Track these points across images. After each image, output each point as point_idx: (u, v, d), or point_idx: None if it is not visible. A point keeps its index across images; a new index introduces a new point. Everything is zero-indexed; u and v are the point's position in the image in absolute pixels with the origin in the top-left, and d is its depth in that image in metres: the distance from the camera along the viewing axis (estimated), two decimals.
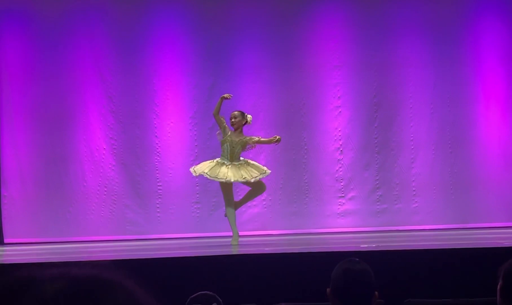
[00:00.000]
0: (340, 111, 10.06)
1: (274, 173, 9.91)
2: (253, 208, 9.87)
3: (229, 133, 7.92)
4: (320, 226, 9.77)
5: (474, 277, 5.43)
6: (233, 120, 7.91)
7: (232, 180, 7.68)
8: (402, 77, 10.04)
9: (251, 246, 7.70)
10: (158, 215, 9.81)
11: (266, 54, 9.98)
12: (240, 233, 9.57)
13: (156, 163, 9.88)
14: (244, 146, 7.89)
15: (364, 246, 6.75)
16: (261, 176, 7.79)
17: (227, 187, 7.79)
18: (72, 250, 8.02)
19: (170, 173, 9.88)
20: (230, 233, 9.52)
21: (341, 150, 10.02)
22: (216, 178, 7.72)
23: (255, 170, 7.82)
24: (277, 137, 7.96)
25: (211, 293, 3.83)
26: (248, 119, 7.99)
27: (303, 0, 10.06)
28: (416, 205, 9.94)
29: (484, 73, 10.05)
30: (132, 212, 9.80)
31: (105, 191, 9.75)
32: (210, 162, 7.88)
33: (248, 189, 8.15)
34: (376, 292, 2.90)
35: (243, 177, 7.70)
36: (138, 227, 9.74)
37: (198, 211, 9.86)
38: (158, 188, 9.85)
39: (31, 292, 0.78)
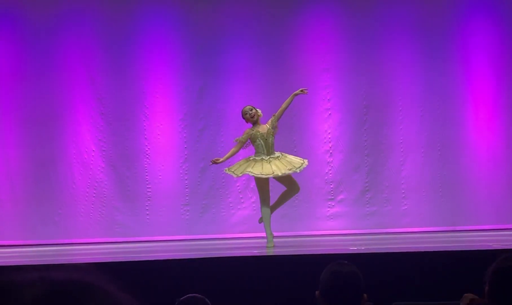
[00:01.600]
0: (330, 114, 10.07)
1: None
2: (243, 210, 9.87)
3: (254, 130, 7.76)
4: (310, 228, 9.77)
5: (462, 279, 5.44)
6: (248, 115, 7.72)
7: (280, 173, 7.48)
8: (392, 79, 10.06)
9: (240, 249, 7.68)
10: (148, 217, 9.80)
11: (256, 57, 9.98)
12: (230, 235, 9.58)
13: (146, 165, 9.87)
14: (275, 132, 7.75)
15: (353, 248, 6.76)
16: (303, 165, 7.60)
17: (265, 184, 7.58)
18: (60, 252, 8.00)
19: (160, 175, 9.86)
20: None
21: (331, 153, 10.03)
22: (263, 174, 7.47)
23: (295, 160, 7.65)
24: (302, 89, 7.74)
25: (199, 296, 3.81)
26: (259, 112, 7.88)
27: (293, 3, 10.06)
28: (406, 207, 9.95)
29: (473, 75, 10.08)
30: (121, 214, 9.77)
31: (94, 193, 9.72)
32: (247, 160, 7.69)
33: (282, 189, 7.91)
34: (365, 295, 2.90)
35: (288, 168, 7.51)
36: (127, 229, 9.72)
37: (187, 213, 9.85)
38: (148, 190, 9.84)
39: (10, 297, 0.77)
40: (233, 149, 7.77)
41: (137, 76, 9.88)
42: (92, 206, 9.72)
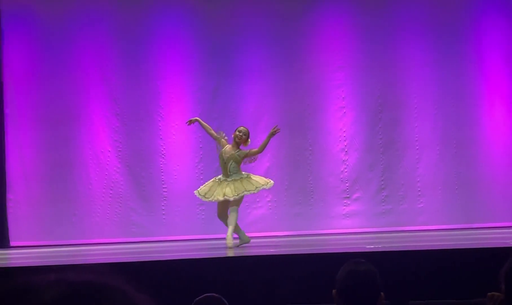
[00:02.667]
0: (344, 112, 10.05)
1: (278, 175, 9.93)
2: (258, 209, 9.88)
3: (225, 147, 7.83)
4: (325, 227, 9.76)
5: (478, 277, 5.42)
6: (238, 134, 7.78)
7: (230, 199, 7.60)
8: (406, 77, 10.03)
9: (256, 248, 7.69)
10: (163, 217, 9.82)
11: (270, 56, 9.97)
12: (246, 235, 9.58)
13: (161, 165, 9.89)
14: (238, 160, 7.73)
15: (369, 247, 6.74)
16: (261, 187, 7.65)
17: (222, 206, 7.72)
18: (77, 253, 8.03)
19: (175, 175, 9.88)
20: (234, 235, 9.54)
21: (346, 151, 10.01)
22: (207, 198, 7.69)
23: (251, 182, 7.68)
24: (276, 128, 7.81)
25: (216, 295, 3.82)
26: (247, 143, 7.90)
27: (306, 2, 10.05)
28: (421, 205, 9.93)
29: (488, 71, 10.04)
30: (137, 214, 9.80)
31: (110, 193, 9.76)
32: (214, 182, 7.80)
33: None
34: (382, 293, 2.89)
35: (241, 190, 7.60)
36: (143, 229, 9.74)
37: (203, 213, 9.86)
38: (163, 190, 9.86)
39: (28, 298, 0.78)
40: (213, 132, 7.84)
41: (152, 76, 9.91)
42: (108, 206, 9.76)
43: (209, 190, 7.74)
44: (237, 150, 7.79)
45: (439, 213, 9.88)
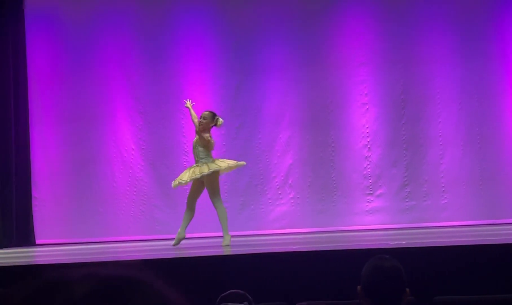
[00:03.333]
0: (367, 108, 10.03)
1: (301, 171, 9.92)
2: (281, 206, 9.88)
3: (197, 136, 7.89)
4: (348, 223, 9.75)
5: (503, 273, 5.39)
6: (201, 120, 7.81)
7: (183, 182, 7.71)
8: (429, 73, 9.98)
9: (280, 245, 7.70)
10: None
11: (292, 52, 9.97)
12: (269, 231, 9.59)
13: (184, 163, 9.92)
14: (203, 143, 7.72)
15: (393, 243, 6.73)
16: (213, 170, 7.62)
17: (191, 190, 7.81)
18: (101, 250, 8.09)
19: None
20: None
21: (369, 148, 9.99)
22: (181, 181, 7.79)
23: (217, 163, 7.69)
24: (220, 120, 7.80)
25: (241, 291, 3.83)
26: (218, 122, 7.81)
27: None
28: (445, 201, 9.88)
29: (511, 67, 9.96)
30: (161, 212, 9.84)
31: (134, 191, 9.81)
32: (189, 168, 7.89)
33: None
34: (407, 289, 2.89)
35: (199, 172, 7.63)
36: (167, 226, 9.78)
37: (226, 210, 9.87)
38: (186, 187, 9.88)
39: (61, 293, 0.79)
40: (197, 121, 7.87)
41: (174, 74, 9.94)
42: (133, 204, 9.81)
43: (179, 177, 7.86)
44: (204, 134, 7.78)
45: (463, 209, 9.83)
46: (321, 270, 5.66)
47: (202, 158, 7.73)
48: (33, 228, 9.57)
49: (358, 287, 2.90)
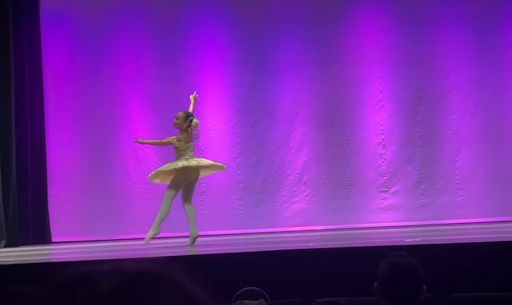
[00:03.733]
0: (381, 105, 10.01)
1: (316, 169, 9.92)
2: (296, 203, 9.89)
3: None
4: (363, 221, 9.74)
5: None
6: (174, 120, 7.87)
7: (163, 169, 7.85)
8: (444, 69, 9.95)
9: (295, 242, 7.70)
10: (202, 212, 9.86)
11: (306, 50, 9.96)
12: (284, 229, 9.60)
13: None
14: (177, 143, 7.75)
15: (408, 240, 6.72)
16: (185, 165, 7.65)
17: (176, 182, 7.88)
18: (118, 248, 8.12)
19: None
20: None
21: (384, 145, 9.97)
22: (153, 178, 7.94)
23: (187, 160, 7.73)
24: (195, 94, 7.95)
25: (257, 288, 3.84)
26: (193, 123, 7.77)
27: None
28: (460, 198, 9.85)
29: None
30: (176, 210, 9.85)
31: (149, 189, 9.83)
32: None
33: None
34: (424, 286, 2.88)
35: (171, 166, 7.73)
36: (182, 224, 9.79)
37: (241, 208, 9.90)
38: (202, 185, 9.90)
39: (86, 288, 0.80)
40: (162, 141, 8.12)
41: (189, 72, 9.96)
42: (148, 201, 9.83)
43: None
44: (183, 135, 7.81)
45: (479, 206, 9.80)
46: (336, 267, 5.66)
47: (181, 156, 7.79)
48: (49, 226, 9.62)
49: (375, 284, 2.90)
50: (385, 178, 9.93)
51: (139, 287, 0.82)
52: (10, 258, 7.11)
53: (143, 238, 8.01)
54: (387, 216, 9.83)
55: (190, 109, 7.96)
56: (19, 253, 8.01)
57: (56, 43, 9.92)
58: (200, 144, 9.96)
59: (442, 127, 9.93)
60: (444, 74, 9.96)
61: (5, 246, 8.83)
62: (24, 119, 9.45)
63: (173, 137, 7.80)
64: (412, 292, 2.86)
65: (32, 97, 9.59)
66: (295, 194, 9.91)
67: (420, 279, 2.87)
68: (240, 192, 9.93)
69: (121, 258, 5.97)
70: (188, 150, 7.76)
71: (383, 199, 9.90)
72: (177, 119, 7.80)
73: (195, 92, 8.12)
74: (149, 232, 7.80)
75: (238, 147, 9.96)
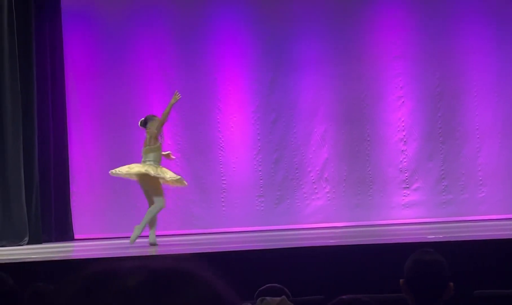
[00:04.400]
0: (402, 102, 9.97)
1: (337, 166, 9.90)
2: (317, 200, 9.88)
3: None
4: (385, 217, 9.71)
5: None
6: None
7: (124, 171, 7.87)
8: (466, 65, 9.89)
9: (316, 239, 7.70)
10: (223, 209, 9.89)
11: (326, 47, 9.94)
12: (305, 226, 9.59)
13: (220, 158, 9.96)
14: (148, 145, 7.79)
15: (430, 237, 6.70)
16: (152, 173, 7.69)
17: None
18: (141, 245, 8.16)
19: (234, 167, 9.94)
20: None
21: (405, 141, 9.93)
22: (117, 173, 7.97)
23: (156, 168, 7.77)
24: (177, 94, 7.84)
25: (279, 285, 3.85)
26: (155, 124, 7.92)
27: None
28: (483, 194, 9.79)
29: None
30: (197, 207, 9.89)
31: (170, 186, 9.85)
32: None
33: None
34: (451, 284, 2.86)
35: (142, 169, 7.75)
36: (203, 221, 9.83)
37: (262, 205, 9.90)
38: (222, 182, 9.93)
39: (112, 284, 0.81)
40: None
41: (210, 69, 9.98)
42: (169, 199, 9.86)
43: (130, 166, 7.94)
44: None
45: (501, 202, 9.73)
46: (358, 264, 5.65)
47: (150, 160, 7.81)
48: (71, 223, 9.68)
49: (401, 280, 2.89)
50: (406, 175, 9.89)
51: (165, 283, 0.82)
52: (34, 255, 7.17)
53: (164, 235, 8.05)
54: (408, 213, 9.80)
55: (166, 109, 7.88)
56: (42, 250, 8.07)
57: (77, 42, 9.98)
58: (222, 142, 9.98)
59: (463, 123, 9.88)
60: (466, 70, 9.90)
61: (28, 243, 8.90)
62: (46, 118, 9.52)
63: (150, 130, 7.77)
64: (437, 289, 2.84)
65: (54, 96, 9.66)
66: (316, 191, 9.91)
67: (446, 277, 2.85)
68: (261, 189, 9.93)
69: (145, 255, 6.00)
70: (158, 151, 7.84)
71: (404, 195, 9.86)
72: (141, 124, 7.96)
73: (176, 92, 7.94)
74: (134, 235, 7.82)
75: (259, 144, 9.97)
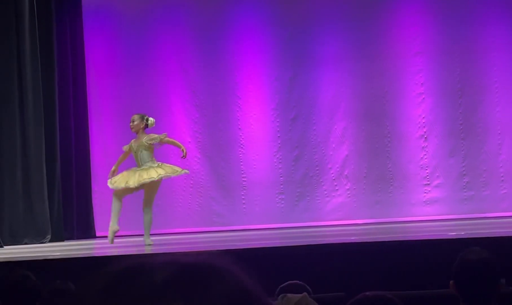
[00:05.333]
0: (423, 98, 9.93)
1: (357, 162, 9.89)
2: (337, 197, 9.86)
3: (132, 141, 7.71)
4: (406, 214, 9.68)
5: None
6: (130, 124, 7.67)
7: (131, 186, 7.42)
8: (487, 61, 9.84)
9: (337, 236, 7.70)
10: (244, 206, 9.91)
11: (346, 44, 9.93)
12: (325, 223, 9.58)
13: (240, 155, 9.98)
14: (147, 146, 7.53)
15: (451, 234, 6.67)
16: (162, 176, 7.43)
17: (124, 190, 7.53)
18: (161, 242, 8.19)
19: (254, 165, 9.96)
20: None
21: (426, 138, 9.90)
22: (118, 186, 7.52)
23: (157, 171, 7.46)
24: (184, 151, 7.68)
25: (300, 282, 3.85)
26: (149, 122, 7.65)
27: None
28: (504, 191, 9.73)
29: None
30: (218, 204, 9.92)
31: (191, 183, 9.90)
32: (128, 171, 7.63)
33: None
34: (503, 280, 2.81)
35: (144, 178, 7.38)
36: (224, 218, 9.86)
37: (282, 202, 9.91)
38: (243, 179, 9.95)
39: (142, 279, 0.82)
40: (120, 158, 7.80)
41: (229, 67, 10.00)
42: (190, 196, 9.90)
43: (119, 178, 7.61)
44: (144, 136, 7.60)
45: None
46: (379, 261, 5.65)
47: (147, 162, 7.55)
48: (93, 220, 9.74)
49: (451, 282, 2.85)
50: (427, 171, 9.85)
51: (195, 278, 0.83)
52: (56, 253, 7.23)
53: (184, 233, 8.07)
54: (429, 210, 9.76)
55: (175, 142, 7.83)
56: (65, 248, 8.12)
57: (98, 40, 10.03)
58: (242, 139, 9.99)
59: (485, 119, 9.82)
60: (487, 66, 9.84)
61: (50, 241, 8.97)
62: (68, 117, 9.59)
63: (152, 136, 7.58)
64: (486, 289, 2.78)
65: (76, 95, 9.73)
66: (336, 188, 9.90)
67: (494, 274, 2.79)
68: (281, 186, 9.94)
69: (168, 251, 6.03)
70: (152, 153, 7.61)
71: (425, 192, 9.83)
72: (133, 122, 7.65)
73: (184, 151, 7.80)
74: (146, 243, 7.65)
75: (279, 142, 9.97)
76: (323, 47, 9.93)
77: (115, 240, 7.88)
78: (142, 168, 7.55)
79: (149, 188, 7.55)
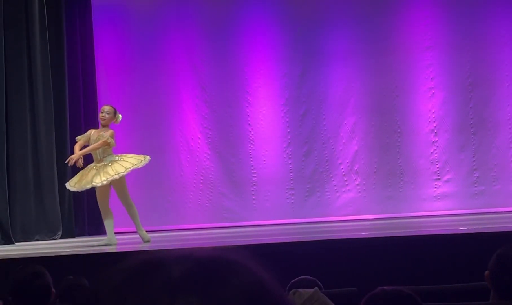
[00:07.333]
0: (433, 93, 9.91)
1: (367, 157, 9.87)
2: (347, 193, 9.86)
3: (91, 132, 7.37)
4: (416, 209, 9.66)
5: None
6: (102, 114, 7.30)
7: (98, 185, 7.06)
8: (497, 55, 9.80)
9: (347, 231, 7.70)
10: (254, 202, 9.92)
11: (356, 39, 9.91)
12: (335, 218, 9.58)
13: (250, 151, 9.98)
14: (112, 141, 7.22)
15: (462, 229, 6.66)
16: (129, 169, 7.13)
17: (100, 194, 7.24)
18: (173, 238, 8.21)
19: (264, 160, 9.96)
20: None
21: (436, 133, 9.88)
22: (84, 187, 7.14)
23: (122, 164, 7.15)
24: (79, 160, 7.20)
25: (311, 277, 3.86)
26: (118, 119, 7.43)
27: None
28: None
29: None
30: (228, 200, 9.93)
31: (201, 179, 9.91)
32: (86, 169, 7.25)
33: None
34: None
35: (106, 177, 7.03)
36: (234, 214, 9.87)
37: (292, 197, 9.91)
38: (253, 175, 9.95)
39: (158, 274, 0.83)
40: (75, 147, 7.34)
41: (239, 63, 10.00)
42: (200, 192, 9.92)
43: (78, 179, 7.21)
44: (108, 131, 7.29)
45: None
46: (389, 256, 5.65)
47: (105, 156, 7.24)
48: None
49: (486, 272, 2.88)
50: (437, 166, 9.83)
51: (211, 272, 0.84)
52: (68, 249, 7.25)
53: (197, 228, 8.07)
54: (440, 204, 9.75)
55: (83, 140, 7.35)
56: (76, 244, 8.15)
57: (108, 36, 10.05)
58: (252, 135, 10.00)
59: (495, 114, 9.79)
60: (497, 60, 9.81)
61: (61, 237, 9.01)
62: (78, 112, 9.62)
63: (107, 135, 7.23)
64: None
65: (86, 90, 9.75)
66: (346, 183, 9.89)
67: None
68: (291, 182, 9.94)
69: (180, 247, 6.04)
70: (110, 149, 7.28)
71: (436, 187, 9.81)
72: (108, 114, 7.31)
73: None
74: (143, 238, 7.51)
75: (289, 137, 9.97)
76: (333, 42, 9.92)
77: (123, 236, 7.87)
78: (103, 163, 7.23)
79: (118, 183, 7.25)
